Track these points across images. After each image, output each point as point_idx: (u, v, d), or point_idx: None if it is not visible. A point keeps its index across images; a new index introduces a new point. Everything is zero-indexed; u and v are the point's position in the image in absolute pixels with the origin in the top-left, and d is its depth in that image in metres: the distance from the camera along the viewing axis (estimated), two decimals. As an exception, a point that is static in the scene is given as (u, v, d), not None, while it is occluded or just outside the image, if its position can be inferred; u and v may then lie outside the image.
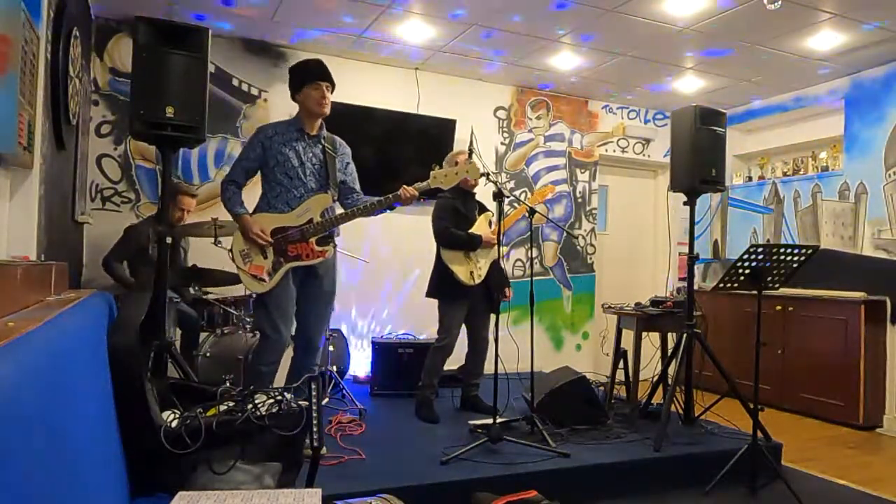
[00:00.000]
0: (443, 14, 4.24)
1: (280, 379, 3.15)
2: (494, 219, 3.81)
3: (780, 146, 5.90)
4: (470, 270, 3.80)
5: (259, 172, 3.07)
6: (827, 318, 4.81)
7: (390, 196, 3.00)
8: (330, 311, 3.20)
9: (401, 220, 5.31)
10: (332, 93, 3.10)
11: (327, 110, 3.09)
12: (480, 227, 3.91)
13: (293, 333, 3.13)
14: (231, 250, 2.99)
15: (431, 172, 3.07)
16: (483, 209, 4.03)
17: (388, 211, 3.11)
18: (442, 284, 3.87)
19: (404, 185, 3.01)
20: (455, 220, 3.85)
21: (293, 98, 3.12)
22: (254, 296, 3.19)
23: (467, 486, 2.70)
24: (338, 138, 3.25)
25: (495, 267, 3.89)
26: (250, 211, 3.03)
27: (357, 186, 3.24)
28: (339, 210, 3.12)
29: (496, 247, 3.85)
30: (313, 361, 3.16)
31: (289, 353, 3.20)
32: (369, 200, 3.10)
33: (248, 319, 3.95)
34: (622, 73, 5.30)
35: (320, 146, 3.12)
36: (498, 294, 3.80)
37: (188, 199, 4.02)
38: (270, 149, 3.01)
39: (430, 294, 3.96)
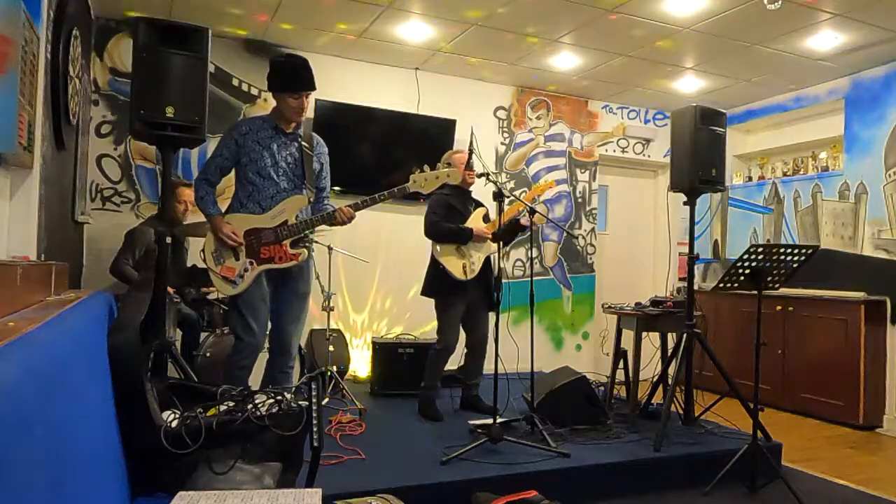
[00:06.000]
0: (443, 14, 4.24)
1: (256, 381, 3.10)
2: (493, 216, 3.79)
3: (780, 146, 5.90)
4: (462, 264, 3.78)
5: (232, 171, 3.00)
6: (827, 318, 4.81)
7: (325, 215, 2.97)
8: (305, 312, 3.12)
9: (403, 220, 5.31)
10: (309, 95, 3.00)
11: (303, 118, 3.02)
12: (474, 221, 3.90)
13: (267, 335, 3.07)
14: (203, 251, 2.92)
15: (411, 176, 3.01)
16: (479, 206, 4.02)
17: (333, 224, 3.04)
18: (436, 282, 3.85)
19: (341, 207, 2.95)
20: (448, 215, 3.84)
21: (271, 93, 3.00)
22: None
23: (467, 486, 2.70)
24: (316, 136, 3.15)
25: (491, 264, 3.88)
26: (224, 210, 2.97)
27: (328, 191, 3.19)
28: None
29: (493, 242, 3.85)
30: (289, 363, 3.09)
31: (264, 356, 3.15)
32: (327, 210, 3.04)
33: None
34: (622, 73, 5.30)
35: (296, 144, 3.03)
36: (497, 292, 3.78)
37: (187, 191, 3.99)
38: (244, 146, 2.92)
39: (424, 292, 3.95)
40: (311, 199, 3.03)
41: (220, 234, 2.86)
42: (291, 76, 2.92)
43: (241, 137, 2.93)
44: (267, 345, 3.16)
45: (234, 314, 2.95)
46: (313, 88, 2.97)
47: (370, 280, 5.25)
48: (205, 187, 2.95)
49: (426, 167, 3.05)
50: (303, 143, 3.04)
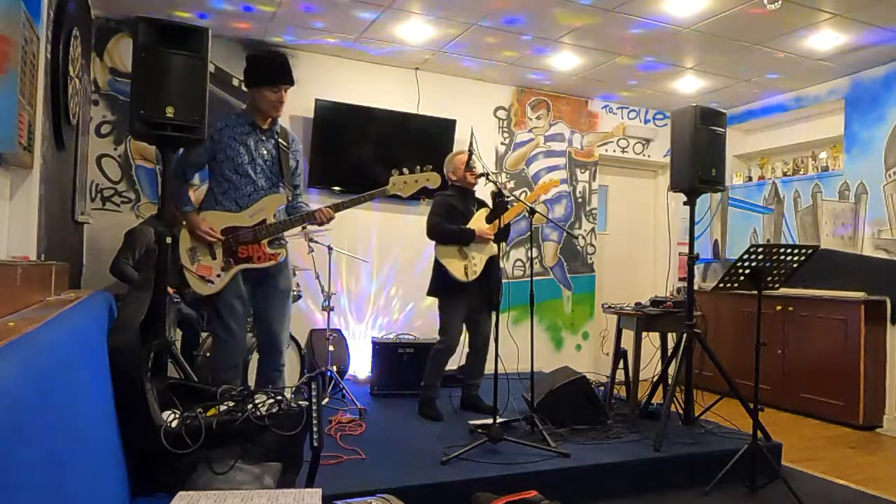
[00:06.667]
0: (443, 14, 4.24)
1: (249, 381, 3.10)
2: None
3: (780, 146, 5.90)
4: (464, 265, 3.78)
5: (206, 167, 2.97)
6: (827, 318, 4.81)
7: (305, 215, 2.96)
8: (288, 308, 3.09)
9: (403, 220, 5.31)
10: (287, 90, 2.96)
11: (280, 113, 2.98)
12: (476, 221, 3.90)
13: (254, 336, 3.06)
14: (178, 248, 2.88)
15: (391, 179, 3.00)
16: (483, 205, 4.02)
17: (313, 224, 3.03)
18: (439, 282, 3.86)
19: (321, 208, 2.94)
20: (449, 216, 3.84)
21: (248, 88, 2.98)
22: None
23: (467, 486, 2.70)
24: (291, 133, 3.13)
25: (494, 264, 3.88)
26: (197, 208, 2.94)
27: (301, 189, 3.16)
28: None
29: (495, 243, 3.85)
30: (280, 361, 3.07)
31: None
32: (304, 209, 3.03)
33: (249, 320, 3.93)
34: (622, 72, 5.30)
35: (273, 141, 2.99)
36: (496, 293, 3.78)
37: None
38: (220, 142, 2.89)
39: (430, 293, 3.97)
40: (290, 198, 3.01)
41: (199, 231, 2.82)
42: (270, 69, 2.91)
43: (216, 133, 2.90)
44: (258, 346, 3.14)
45: (213, 315, 2.93)
46: (292, 83, 2.95)
47: (371, 280, 5.25)
48: (176, 183, 2.91)
49: (405, 170, 3.05)
50: (280, 139, 3.00)
